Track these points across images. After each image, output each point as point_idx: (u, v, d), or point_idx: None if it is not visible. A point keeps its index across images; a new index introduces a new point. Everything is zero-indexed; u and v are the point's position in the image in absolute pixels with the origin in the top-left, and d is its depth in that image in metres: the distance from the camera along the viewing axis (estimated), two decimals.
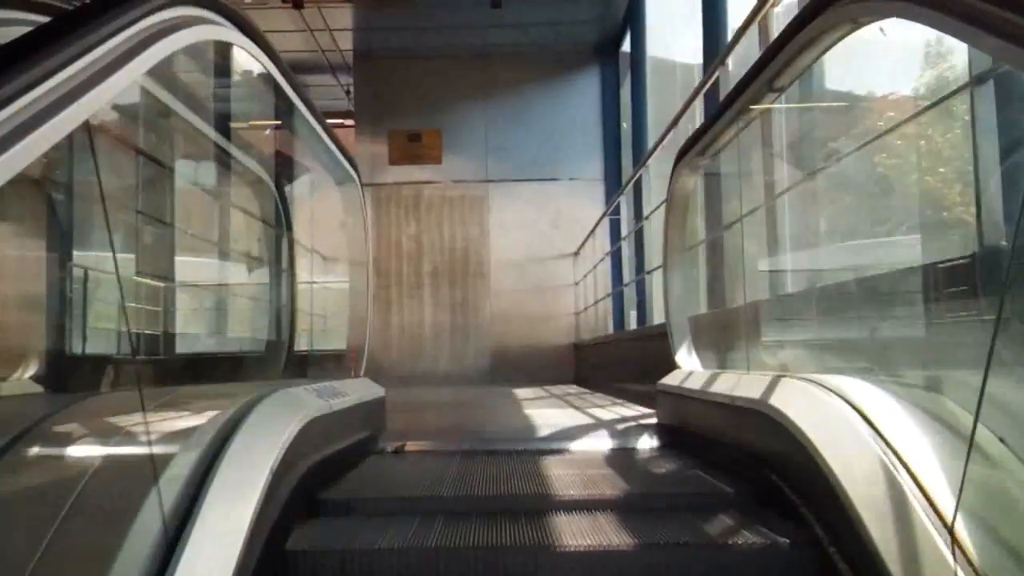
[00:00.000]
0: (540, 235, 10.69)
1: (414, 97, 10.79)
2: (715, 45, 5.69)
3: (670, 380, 3.35)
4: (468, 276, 10.68)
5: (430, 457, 3.09)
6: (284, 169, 3.57)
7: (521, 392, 7.71)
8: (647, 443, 3.21)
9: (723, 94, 4.07)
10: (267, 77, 2.34)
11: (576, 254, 10.33)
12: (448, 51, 10.76)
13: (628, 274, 7.87)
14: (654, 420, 3.73)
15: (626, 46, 10.10)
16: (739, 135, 2.82)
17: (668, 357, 3.64)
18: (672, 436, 3.21)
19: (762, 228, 3.55)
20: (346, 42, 10.67)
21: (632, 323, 7.93)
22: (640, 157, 9.12)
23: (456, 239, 10.71)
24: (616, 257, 10.04)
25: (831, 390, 1.89)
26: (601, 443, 3.23)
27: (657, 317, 6.24)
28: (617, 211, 10.52)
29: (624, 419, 4.19)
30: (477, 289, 10.65)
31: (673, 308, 3.69)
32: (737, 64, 4.37)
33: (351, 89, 11.51)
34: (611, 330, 8.89)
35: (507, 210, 10.73)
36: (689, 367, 3.45)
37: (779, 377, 2.18)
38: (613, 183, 10.66)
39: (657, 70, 9.16)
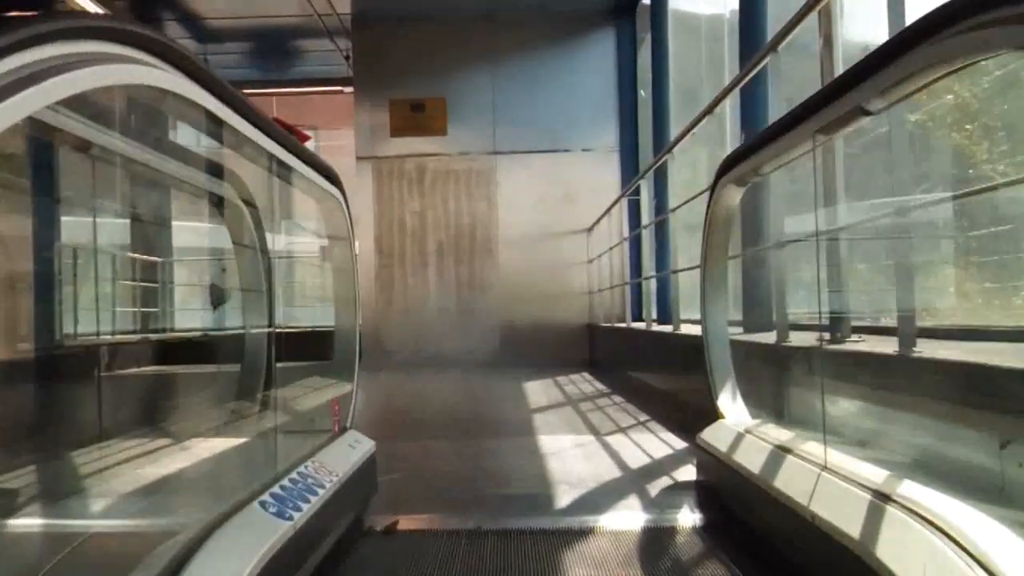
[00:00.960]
0: (551, 210, 10.10)
1: (416, 63, 10.12)
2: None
3: (713, 439, 2.82)
4: (475, 253, 10.13)
5: (429, 539, 2.58)
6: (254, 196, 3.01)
7: (533, 390, 7.20)
8: (688, 519, 2.69)
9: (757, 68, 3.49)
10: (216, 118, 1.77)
11: (590, 230, 9.75)
12: (452, 13, 10.06)
13: (648, 263, 7.29)
14: (692, 473, 3.21)
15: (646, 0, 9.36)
16: (813, 152, 2.23)
17: (693, 356, 3.11)
18: (716, 511, 2.68)
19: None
20: (344, 5, 9.97)
21: (652, 312, 7.37)
22: (661, 127, 8.48)
23: (463, 215, 10.13)
24: (635, 243, 9.47)
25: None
26: (633, 518, 2.71)
27: (685, 311, 5.68)
28: (636, 191, 9.92)
29: (655, 465, 3.67)
30: (485, 267, 10.10)
31: (713, 340, 3.14)
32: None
33: (349, 54, 10.83)
34: (629, 321, 8.34)
35: (516, 183, 10.13)
36: (734, 419, 2.91)
37: (902, 511, 1.62)
38: (629, 154, 10.03)
39: (681, 25, 8.46)
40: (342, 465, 2.56)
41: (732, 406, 3.00)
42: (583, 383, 7.71)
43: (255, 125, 2.02)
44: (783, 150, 2.36)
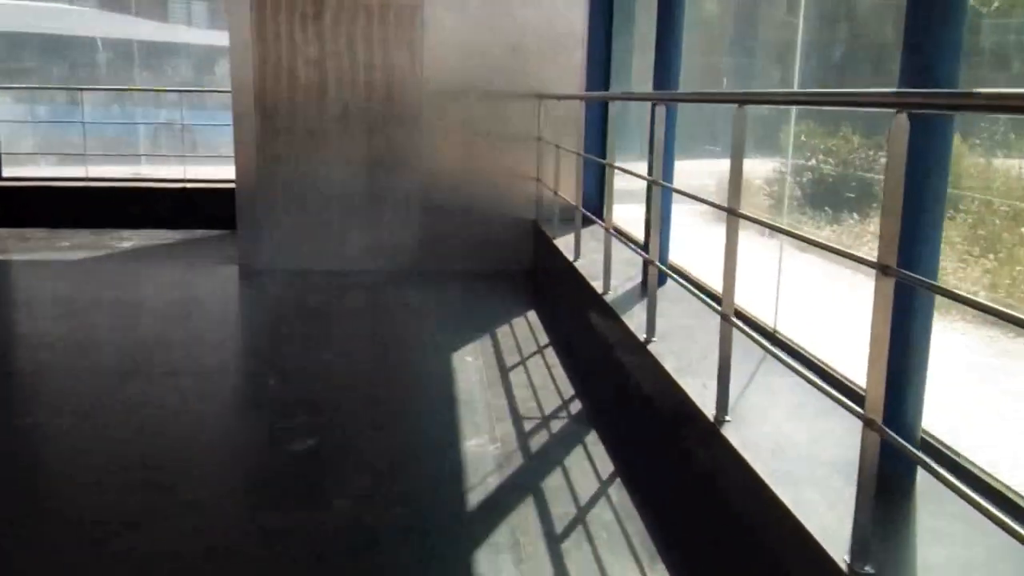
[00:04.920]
0: (494, 65, 7.60)
1: None
2: None
3: None
4: (391, 121, 7.67)
5: None
6: None
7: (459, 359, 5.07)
8: None
9: None
10: None
11: (541, 96, 7.34)
12: None
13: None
14: None
15: None
16: None
17: None
18: None
19: None
20: None
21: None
22: None
23: (375, 67, 7.58)
24: (598, 116, 7.15)
25: None
26: None
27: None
28: (606, 42, 7.45)
29: None
30: (404, 140, 7.68)
31: None
32: None
33: None
34: (578, 227, 6.09)
35: (449, 26, 7.55)
36: None
37: None
38: None
39: None
40: None
41: None
42: (536, 366, 5.51)
43: None
44: None
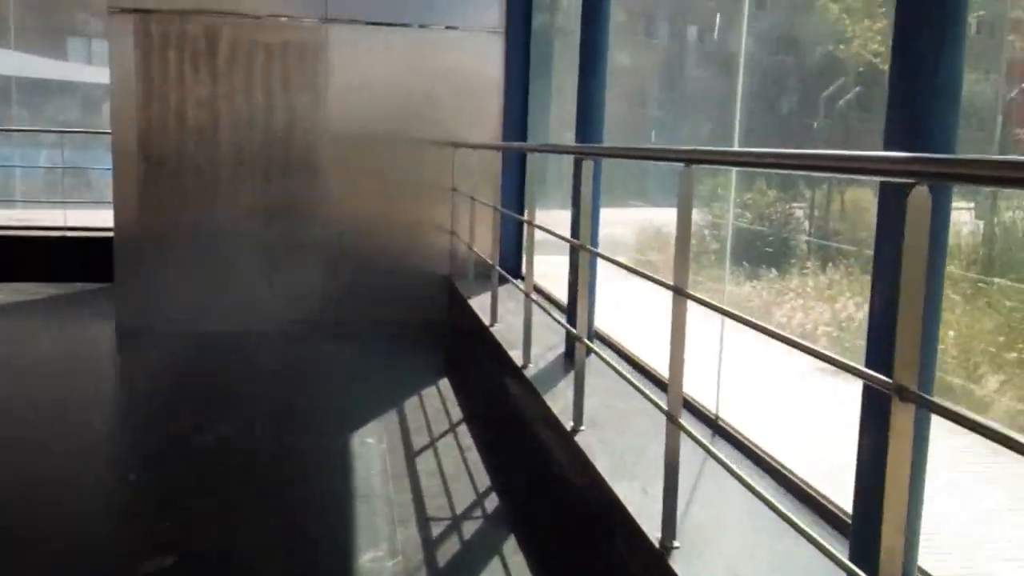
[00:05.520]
0: (406, 109, 7.10)
1: None
2: None
3: None
4: (292, 166, 7.05)
5: None
6: None
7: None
8: None
9: None
10: None
11: (455, 145, 6.86)
12: None
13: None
14: None
15: None
16: None
17: None
18: None
19: None
20: None
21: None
22: None
23: (275, 109, 6.97)
24: (517, 165, 6.74)
25: None
26: None
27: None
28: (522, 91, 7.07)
29: None
30: (306, 187, 7.06)
31: None
32: None
33: None
34: (495, 288, 5.58)
35: (357, 68, 7.03)
36: None
37: None
38: (519, 37, 7.07)
39: None
40: None
41: None
42: (448, 449, 4.84)
43: None
44: None
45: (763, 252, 10.54)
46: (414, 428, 4.58)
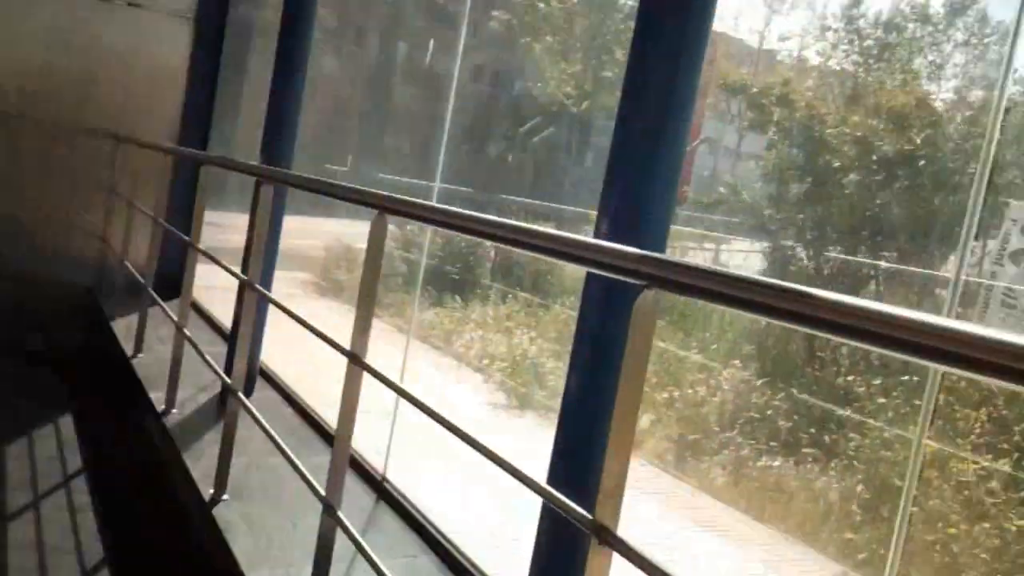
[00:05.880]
0: (63, 90, 6.00)
1: None
2: None
3: None
4: None
5: None
6: None
7: None
8: None
9: None
10: None
11: (120, 139, 5.91)
12: None
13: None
14: None
15: None
16: None
17: None
18: None
19: None
20: None
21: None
22: None
23: None
24: (192, 174, 5.95)
25: None
26: None
27: None
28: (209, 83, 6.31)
29: None
30: None
31: None
32: None
33: None
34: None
35: (6, 37, 5.82)
36: None
37: None
38: (212, 25, 6.29)
39: None
40: None
41: None
42: (54, 511, 3.91)
43: None
44: None
45: (449, 280, 10.66)
46: (15, 480, 3.65)
